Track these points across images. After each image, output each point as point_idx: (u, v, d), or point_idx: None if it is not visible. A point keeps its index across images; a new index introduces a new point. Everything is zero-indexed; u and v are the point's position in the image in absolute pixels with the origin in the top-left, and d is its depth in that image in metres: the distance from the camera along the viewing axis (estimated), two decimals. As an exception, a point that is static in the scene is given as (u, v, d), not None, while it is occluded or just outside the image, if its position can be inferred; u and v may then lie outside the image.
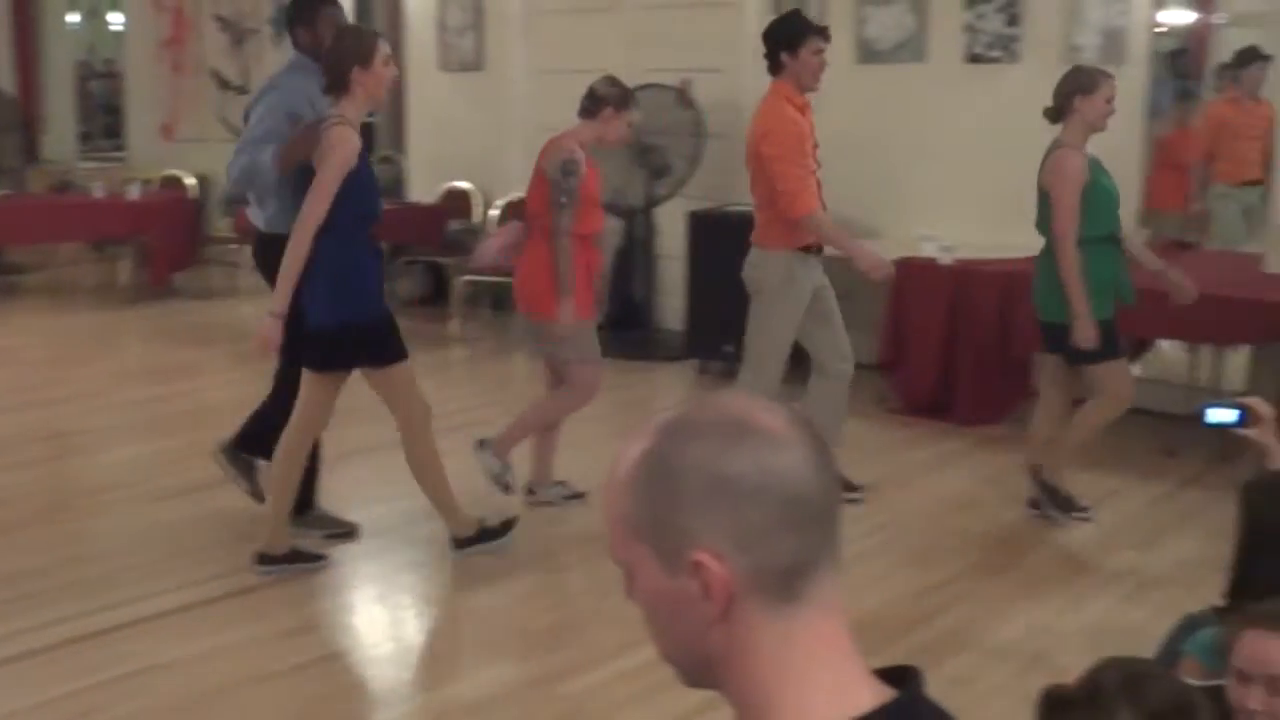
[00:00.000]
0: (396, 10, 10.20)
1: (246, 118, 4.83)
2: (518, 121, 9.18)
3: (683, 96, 7.74)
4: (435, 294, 9.60)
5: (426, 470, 4.59)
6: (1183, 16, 14.60)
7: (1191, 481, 5.54)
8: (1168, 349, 7.12)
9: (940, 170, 7.14)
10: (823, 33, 5.14)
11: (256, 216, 4.83)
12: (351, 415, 6.55)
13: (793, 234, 5.10)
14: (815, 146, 5.15)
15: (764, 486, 1.07)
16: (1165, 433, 6.08)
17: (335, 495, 5.50)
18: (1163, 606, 4.00)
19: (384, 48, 4.39)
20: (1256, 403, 2.94)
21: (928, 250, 6.56)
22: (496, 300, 8.92)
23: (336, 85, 4.30)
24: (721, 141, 7.84)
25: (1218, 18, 7.70)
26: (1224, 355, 6.37)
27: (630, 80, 7.95)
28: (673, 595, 1.10)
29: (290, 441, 4.44)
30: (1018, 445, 5.97)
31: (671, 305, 8.15)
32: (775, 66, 5.15)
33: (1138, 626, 4.05)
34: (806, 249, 5.14)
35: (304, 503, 4.79)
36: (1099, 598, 4.39)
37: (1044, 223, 4.93)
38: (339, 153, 4.21)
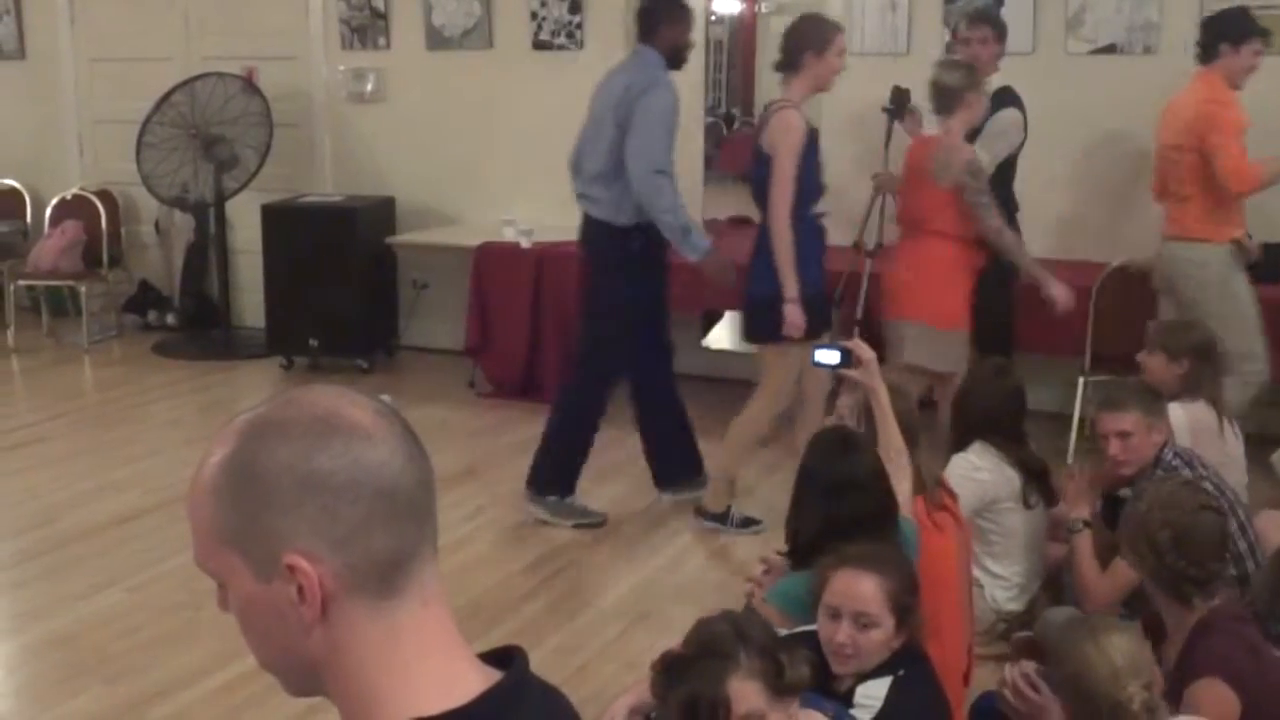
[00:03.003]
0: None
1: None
2: (68, 114, 8.60)
3: (249, 85, 7.47)
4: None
5: (740, 443, 4.83)
6: (732, 6, 15.46)
7: (767, 441, 5.88)
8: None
9: (514, 156, 7.24)
10: (1265, 36, 4.98)
11: (593, 207, 4.92)
12: None
13: (1226, 225, 4.94)
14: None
15: (354, 482, 1.05)
16: (740, 399, 6.43)
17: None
18: (746, 560, 4.25)
19: (840, 40, 4.55)
20: (856, 345, 3.15)
21: (508, 235, 6.65)
22: (55, 306, 8.31)
23: (789, 65, 4.52)
24: (291, 131, 7.64)
25: (764, 6, 8.20)
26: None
27: (189, 69, 7.66)
28: (268, 602, 1.06)
29: (754, 410, 4.76)
30: (605, 420, 6.16)
31: (250, 301, 7.88)
32: (1209, 55, 4.95)
33: (725, 581, 4.29)
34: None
35: (568, 486, 4.94)
36: (691, 557, 4.60)
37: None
38: (793, 137, 4.42)
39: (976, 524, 3.85)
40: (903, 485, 3.09)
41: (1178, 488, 2.96)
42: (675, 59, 4.90)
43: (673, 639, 2.29)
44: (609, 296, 4.95)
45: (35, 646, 4.00)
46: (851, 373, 3.16)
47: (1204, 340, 4.17)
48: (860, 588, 2.55)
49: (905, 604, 2.57)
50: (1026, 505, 3.90)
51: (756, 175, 4.67)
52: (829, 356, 3.15)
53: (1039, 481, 3.95)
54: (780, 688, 2.18)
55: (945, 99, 4.77)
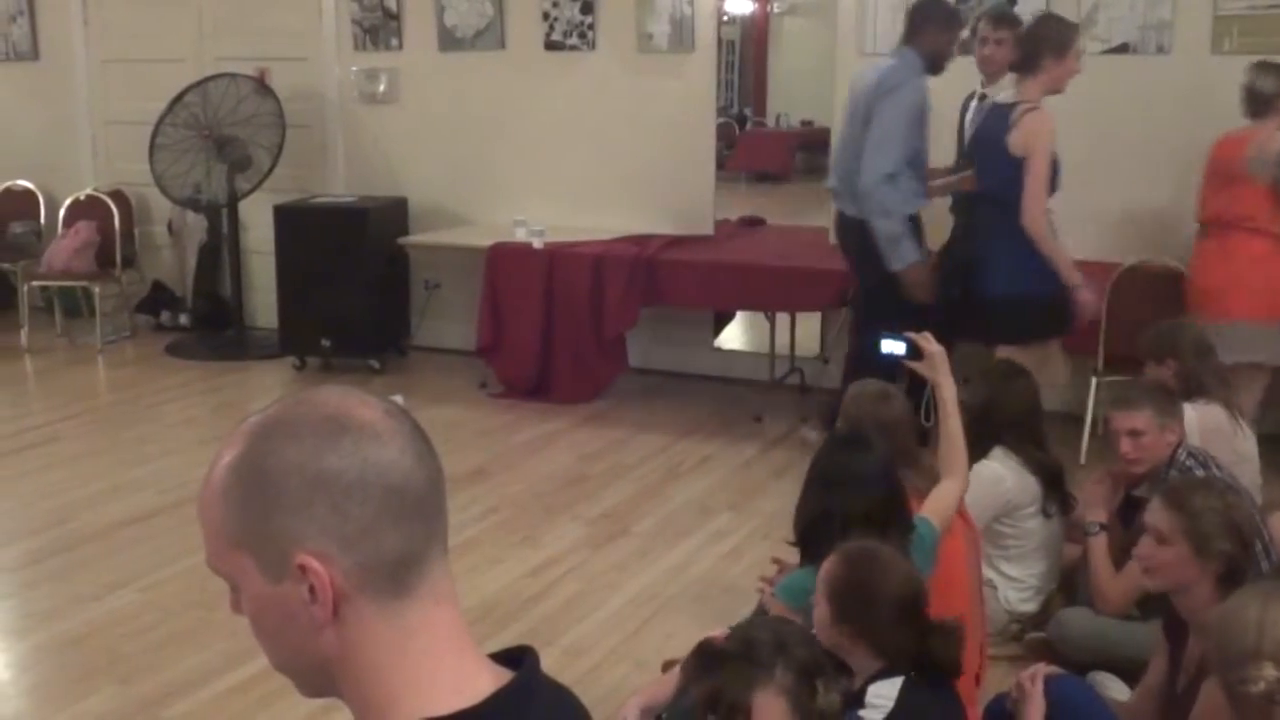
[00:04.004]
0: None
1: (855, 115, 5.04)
2: (81, 115, 8.63)
3: (261, 86, 7.49)
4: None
5: None
6: (744, 6, 15.46)
7: (777, 442, 5.90)
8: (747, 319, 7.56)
9: (526, 156, 7.25)
10: None
11: (846, 203, 5.13)
12: None
13: None
14: None
15: (364, 482, 1.05)
16: (752, 399, 6.44)
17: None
18: (757, 560, 4.24)
19: (1079, 42, 4.63)
20: (924, 338, 3.14)
21: (520, 235, 6.65)
22: (68, 306, 8.34)
23: (1027, 66, 4.57)
24: (304, 131, 7.66)
25: (776, 7, 8.20)
26: (798, 321, 6.80)
27: (201, 70, 7.68)
28: (279, 602, 1.06)
29: None
30: (616, 421, 6.19)
31: (263, 302, 7.89)
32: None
33: (736, 582, 4.29)
34: None
35: None
36: (701, 559, 4.60)
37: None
38: (1047, 139, 4.49)
39: (992, 526, 3.84)
40: (948, 484, 3.09)
41: (1205, 481, 2.95)
42: (935, 64, 5.02)
43: (684, 640, 2.28)
44: (882, 280, 5.09)
45: (48, 646, 4.01)
46: (917, 365, 3.15)
47: (1191, 340, 4.15)
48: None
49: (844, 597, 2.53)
50: (1045, 515, 3.89)
51: (996, 174, 4.68)
52: (895, 347, 3.14)
53: (1058, 490, 3.93)
54: (808, 712, 2.11)
55: (1260, 103, 4.85)
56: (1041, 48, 4.57)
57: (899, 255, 4.96)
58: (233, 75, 7.47)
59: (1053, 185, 4.62)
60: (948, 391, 3.12)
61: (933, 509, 3.04)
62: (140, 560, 4.59)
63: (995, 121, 4.70)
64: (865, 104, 4.98)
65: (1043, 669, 2.76)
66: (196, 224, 8.22)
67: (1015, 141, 4.56)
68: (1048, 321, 4.71)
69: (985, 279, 4.71)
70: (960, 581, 3.13)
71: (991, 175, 4.75)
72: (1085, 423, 5.47)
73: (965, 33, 5.69)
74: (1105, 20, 5.95)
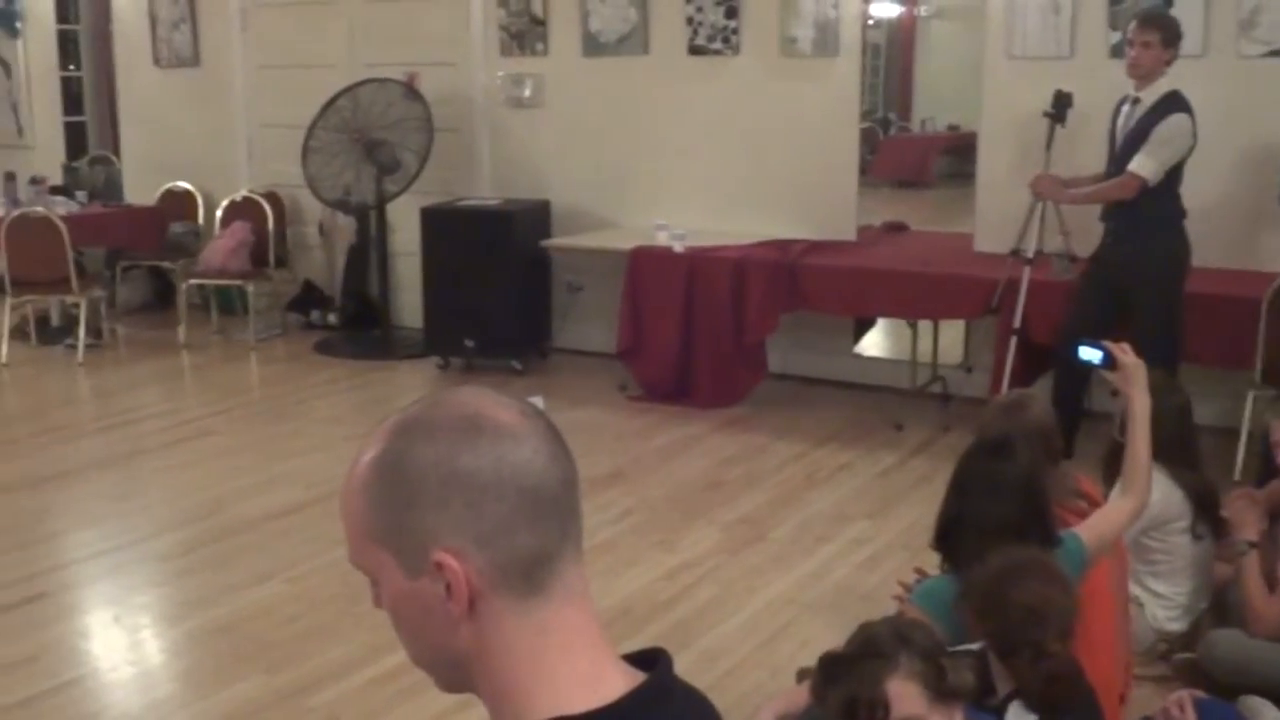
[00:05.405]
0: (103, 4, 9.73)
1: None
2: (239, 119, 8.91)
3: (410, 91, 7.64)
4: (159, 299, 9.21)
5: None
6: (890, 9, 15.29)
7: (918, 451, 5.82)
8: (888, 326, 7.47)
9: (669, 160, 7.27)
10: None
11: None
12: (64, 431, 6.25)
13: None
14: None
15: (499, 480, 1.06)
16: (892, 407, 6.37)
17: (63, 511, 5.24)
18: (894, 570, 4.19)
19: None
20: (1121, 349, 3.08)
21: (662, 239, 6.67)
22: (224, 304, 8.62)
23: None
24: (450, 136, 7.79)
25: (923, 10, 8.09)
26: (941, 329, 6.70)
27: (353, 75, 7.87)
28: (417, 598, 1.08)
29: None
30: (754, 427, 6.18)
31: (409, 302, 8.05)
32: None
33: (873, 591, 4.24)
34: None
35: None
36: (838, 567, 4.56)
37: None
38: None
39: (1140, 541, 3.73)
40: (1121, 503, 3.01)
41: None
42: None
43: (819, 649, 2.27)
44: None
45: (198, 633, 4.15)
46: (1110, 376, 3.10)
47: None
48: None
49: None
50: (1194, 536, 3.76)
51: None
52: (1091, 354, 3.08)
53: (1209, 512, 3.80)
54: (942, 691, 2.15)
55: None
56: None
57: None
58: (383, 80, 7.64)
59: None
60: (1139, 406, 3.03)
61: (1095, 525, 2.94)
62: (287, 552, 4.72)
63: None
64: None
65: (1189, 696, 2.67)
66: (346, 225, 8.42)
67: None
68: None
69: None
70: (1102, 597, 3.05)
71: None
72: (1240, 438, 5.28)
73: (1114, 38, 5.56)
74: (1267, 23, 5.74)
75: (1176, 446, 3.77)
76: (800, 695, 2.75)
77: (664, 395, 6.62)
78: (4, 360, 7.59)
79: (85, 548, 4.84)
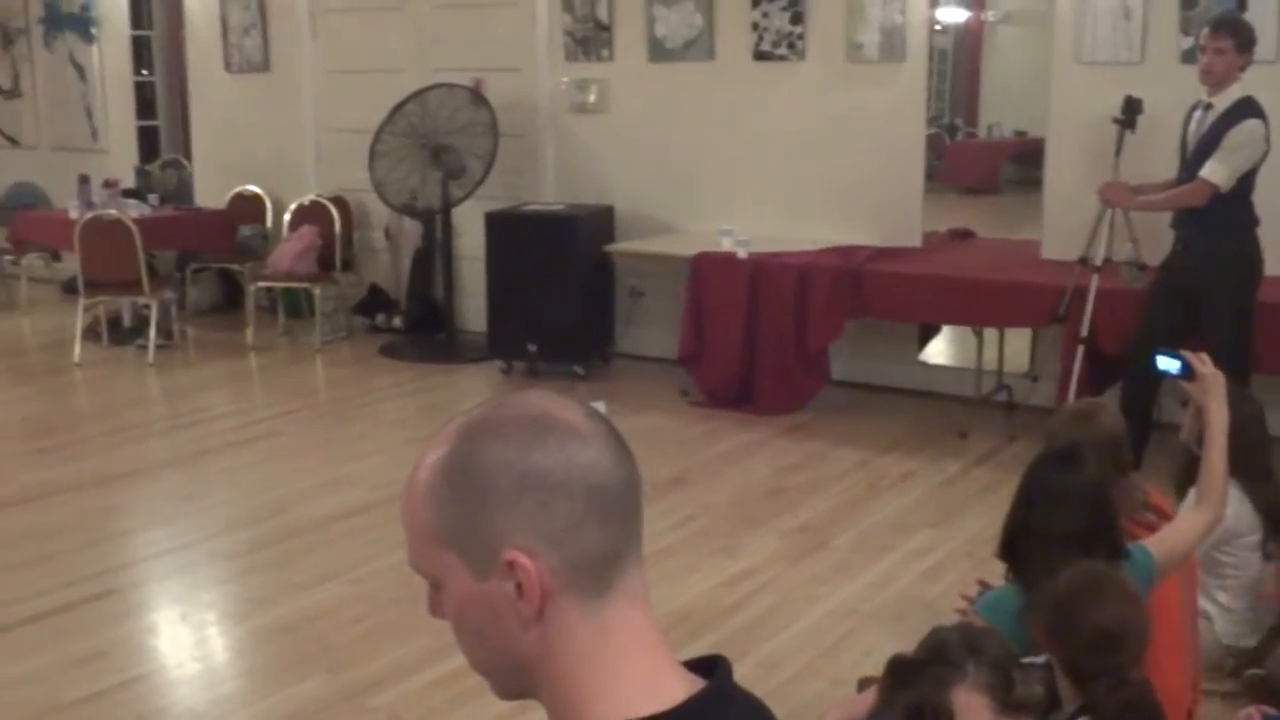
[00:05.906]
0: (177, 10, 9.88)
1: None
2: (307, 123, 9.01)
3: (476, 96, 7.69)
4: (228, 301, 9.34)
5: None
6: (957, 15, 15.17)
7: (982, 461, 5.76)
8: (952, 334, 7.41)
9: (733, 166, 7.26)
10: None
11: None
12: (133, 431, 6.35)
13: None
14: None
15: (569, 479, 1.06)
16: (957, 415, 6.31)
17: (132, 509, 5.32)
18: (957, 580, 4.15)
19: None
20: (1199, 358, 3.04)
21: (725, 244, 6.66)
22: (290, 307, 8.71)
23: None
24: (515, 141, 7.83)
25: (990, 15, 8.01)
26: (1007, 337, 6.63)
27: (421, 80, 7.93)
28: (485, 600, 1.08)
29: None
30: (817, 434, 6.15)
31: (473, 306, 8.10)
32: None
33: (935, 601, 4.20)
34: None
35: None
36: (900, 576, 4.53)
37: None
38: None
39: (1211, 555, 3.67)
40: (1194, 516, 2.95)
41: None
42: None
43: (881, 658, 2.25)
44: None
45: (262, 632, 4.19)
46: (1188, 386, 3.06)
47: None
48: None
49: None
50: (1264, 555, 3.69)
51: None
52: (1169, 364, 3.04)
53: None
54: (1009, 703, 2.12)
55: None
56: None
57: None
58: (450, 85, 7.69)
59: None
60: (1216, 417, 2.97)
61: (1166, 539, 2.88)
62: (351, 553, 4.76)
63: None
64: None
65: (1258, 712, 2.62)
66: (412, 229, 8.49)
67: None
68: None
69: None
70: (1169, 611, 3.00)
71: None
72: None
73: (1185, 43, 5.48)
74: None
75: (1249, 458, 3.70)
76: (861, 705, 2.73)
77: (726, 401, 6.61)
78: (77, 360, 7.73)
79: (153, 546, 4.92)
